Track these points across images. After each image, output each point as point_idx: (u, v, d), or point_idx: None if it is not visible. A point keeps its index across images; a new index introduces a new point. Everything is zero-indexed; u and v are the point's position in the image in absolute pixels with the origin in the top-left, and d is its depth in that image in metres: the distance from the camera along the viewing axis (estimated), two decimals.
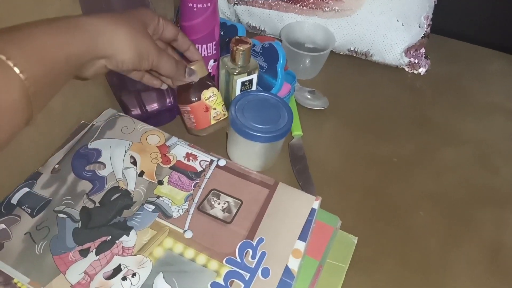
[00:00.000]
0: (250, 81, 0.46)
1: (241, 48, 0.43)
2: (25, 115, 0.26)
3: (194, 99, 0.43)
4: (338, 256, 0.39)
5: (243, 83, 0.46)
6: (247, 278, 0.34)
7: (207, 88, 0.43)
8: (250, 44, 0.44)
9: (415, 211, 0.45)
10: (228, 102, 0.48)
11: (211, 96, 0.43)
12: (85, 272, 0.34)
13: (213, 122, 0.44)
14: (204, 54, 0.48)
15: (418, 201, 0.46)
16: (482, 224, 0.45)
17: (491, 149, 0.53)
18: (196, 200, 0.40)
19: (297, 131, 0.52)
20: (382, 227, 0.44)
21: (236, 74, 0.44)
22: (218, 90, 0.44)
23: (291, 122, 0.43)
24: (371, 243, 0.42)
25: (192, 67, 0.41)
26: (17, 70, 0.24)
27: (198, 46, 0.47)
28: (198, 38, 0.46)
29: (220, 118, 0.45)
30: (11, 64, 0.24)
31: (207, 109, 0.43)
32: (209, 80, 0.43)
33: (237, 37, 0.44)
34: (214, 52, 0.49)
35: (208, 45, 0.47)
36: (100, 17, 0.31)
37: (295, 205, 0.39)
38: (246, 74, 0.45)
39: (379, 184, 0.48)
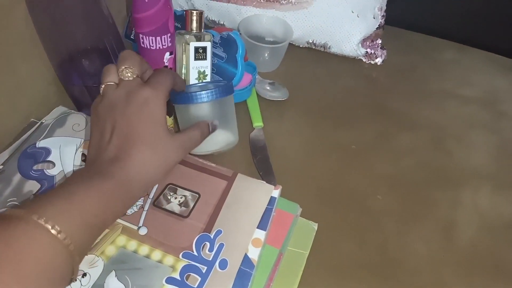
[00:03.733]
0: (204, 49, 0.46)
1: (194, 12, 0.45)
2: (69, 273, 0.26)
3: None
4: (298, 243, 0.39)
5: (196, 49, 0.45)
6: (204, 271, 0.33)
7: None
8: (203, 11, 0.46)
9: (374, 195, 0.46)
10: (187, 78, 0.48)
11: None
12: None
13: None
14: (159, 47, 0.47)
15: (377, 185, 0.47)
16: (437, 204, 0.47)
17: (445, 133, 0.56)
18: (151, 195, 0.39)
19: (257, 122, 0.51)
20: (342, 212, 0.44)
21: (189, 37, 0.45)
22: (170, 117, 0.46)
23: (235, 80, 0.44)
24: (332, 229, 0.42)
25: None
26: (60, 236, 0.25)
27: (152, 39, 0.46)
28: (151, 30, 0.45)
29: None
30: (52, 230, 0.24)
31: None
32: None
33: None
34: (170, 44, 0.47)
35: (163, 37, 0.46)
36: (144, 168, 0.31)
37: (253, 194, 0.39)
38: (201, 39, 0.45)
39: (338, 171, 0.49)
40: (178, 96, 0.40)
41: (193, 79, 0.47)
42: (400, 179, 0.48)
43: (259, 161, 0.47)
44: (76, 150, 0.41)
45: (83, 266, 0.33)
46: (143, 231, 0.36)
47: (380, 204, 0.46)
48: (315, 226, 0.41)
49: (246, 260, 0.35)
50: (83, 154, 0.41)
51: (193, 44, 0.45)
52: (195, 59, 0.45)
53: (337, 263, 0.40)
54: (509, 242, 0.44)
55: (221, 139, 0.44)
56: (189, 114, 0.42)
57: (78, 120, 0.44)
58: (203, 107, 0.41)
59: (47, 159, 0.40)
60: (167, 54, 0.48)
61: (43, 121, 0.44)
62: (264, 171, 0.46)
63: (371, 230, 0.43)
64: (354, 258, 0.41)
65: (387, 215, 0.45)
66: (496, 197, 0.48)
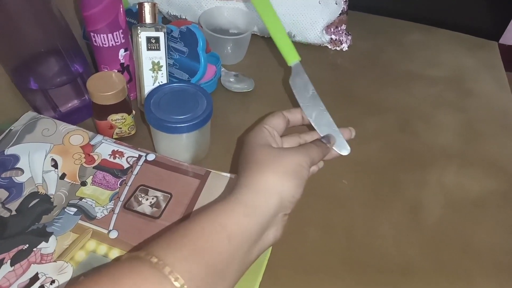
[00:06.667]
0: (157, 39, 0.44)
1: (146, 4, 0.44)
2: None
3: (101, 118, 0.44)
4: None
5: (148, 39, 0.44)
6: None
7: (117, 113, 0.44)
8: (155, 3, 0.45)
9: (339, 180, 0.46)
10: (140, 69, 0.46)
11: (118, 119, 0.45)
12: None
13: (115, 136, 0.46)
14: (112, 44, 0.46)
15: (342, 171, 0.47)
16: (403, 186, 0.46)
17: (412, 115, 0.56)
18: (122, 198, 0.38)
19: (293, 58, 0.44)
20: (306, 200, 0.43)
21: (141, 28, 0.44)
22: (130, 115, 0.45)
23: (210, 108, 0.42)
24: (296, 217, 0.41)
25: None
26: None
27: (103, 36, 0.45)
28: (101, 27, 0.44)
29: (124, 135, 0.47)
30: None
31: (111, 127, 0.45)
32: (124, 105, 0.44)
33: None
34: (123, 41, 0.47)
35: (114, 34, 0.45)
36: (275, 194, 0.32)
37: (225, 190, 0.39)
38: (153, 29, 0.44)
39: None
40: (155, 122, 0.41)
41: (146, 70, 0.46)
42: (366, 163, 0.48)
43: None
44: (46, 155, 0.41)
45: (51, 273, 0.33)
46: (113, 234, 0.35)
47: (346, 189, 0.45)
48: None
49: None
50: (52, 159, 0.40)
51: (144, 34, 0.44)
52: (148, 49, 0.44)
53: (302, 252, 0.40)
54: (476, 219, 0.44)
55: (191, 155, 0.45)
56: (161, 134, 0.42)
57: (47, 125, 0.43)
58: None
59: (16, 166, 0.39)
60: (122, 51, 0.47)
61: (12, 128, 0.43)
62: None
63: (337, 216, 0.43)
64: (320, 245, 0.40)
65: (353, 199, 0.44)
66: (462, 175, 0.48)
